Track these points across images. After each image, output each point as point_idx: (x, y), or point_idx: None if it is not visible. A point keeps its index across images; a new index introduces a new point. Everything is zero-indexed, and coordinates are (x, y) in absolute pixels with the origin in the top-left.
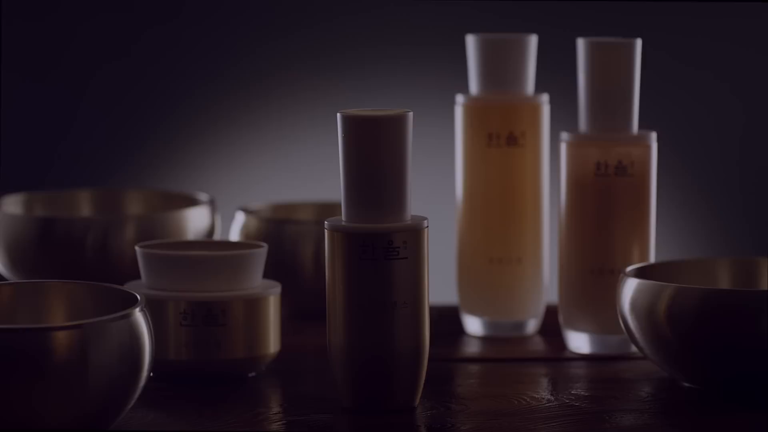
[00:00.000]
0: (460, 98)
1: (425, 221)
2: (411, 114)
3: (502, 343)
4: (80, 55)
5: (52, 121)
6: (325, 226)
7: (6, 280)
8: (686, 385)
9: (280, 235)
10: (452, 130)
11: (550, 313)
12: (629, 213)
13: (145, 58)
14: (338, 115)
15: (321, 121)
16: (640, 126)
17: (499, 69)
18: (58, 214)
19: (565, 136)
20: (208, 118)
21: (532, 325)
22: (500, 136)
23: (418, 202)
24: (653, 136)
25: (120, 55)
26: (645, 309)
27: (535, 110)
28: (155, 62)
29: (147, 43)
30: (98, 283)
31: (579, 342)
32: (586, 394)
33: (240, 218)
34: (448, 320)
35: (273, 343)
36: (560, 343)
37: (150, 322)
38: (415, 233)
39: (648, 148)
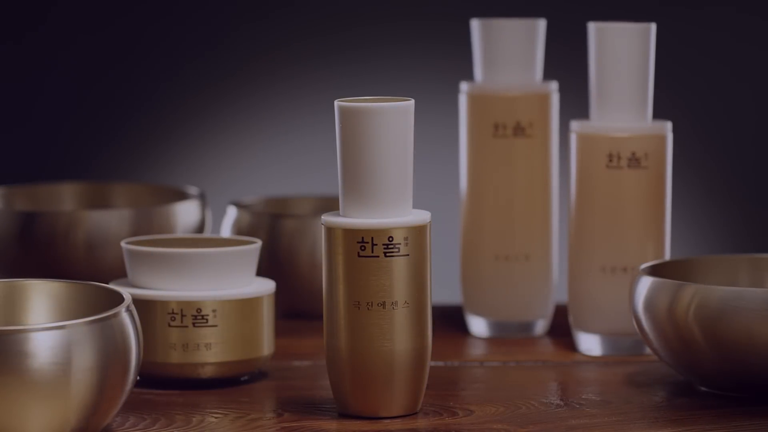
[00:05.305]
0: (464, 86)
1: (428, 216)
2: (413, 102)
3: (509, 345)
4: (63, 45)
5: (36, 111)
6: (322, 222)
7: None
8: (703, 389)
9: (275, 230)
10: (456, 120)
11: (560, 313)
12: (643, 207)
13: (130, 46)
14: (335, 103)
15: (317, 109)
16: (655, 115)
17: (506, 55)
18: (40, 209)
19: (575, 126)
20: (198, 106)
21: (540, 326)
22: (507, 126)
23: (420, 196)
24: (668, 126)
25: (103, 45)
26: (661, 309)
27: (544, 99)
28: (141, 50)
29: (132, 33)
30: (82, 281)
31: (590, 343)
32: (598, 398)
33: (232, 213)
34: (451, 321)
35: (267, 345)
36: (570, 345)
37: (137, 322)
38: (416, 229)
39: (663, 139)
